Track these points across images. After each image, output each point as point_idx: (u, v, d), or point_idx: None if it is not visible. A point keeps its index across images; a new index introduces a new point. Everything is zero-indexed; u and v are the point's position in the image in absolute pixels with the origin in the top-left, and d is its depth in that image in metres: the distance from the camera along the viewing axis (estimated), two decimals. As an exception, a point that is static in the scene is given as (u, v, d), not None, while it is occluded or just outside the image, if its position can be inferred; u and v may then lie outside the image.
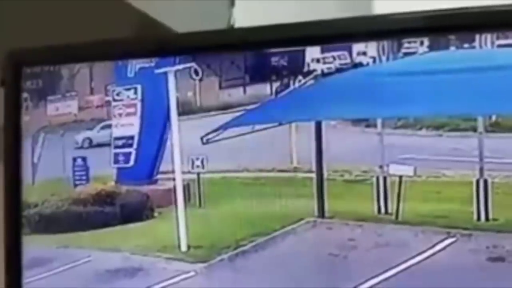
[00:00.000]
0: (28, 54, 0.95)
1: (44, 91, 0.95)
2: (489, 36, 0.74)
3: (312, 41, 0.81)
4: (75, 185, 0.94)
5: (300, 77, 0.83)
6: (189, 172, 0.89)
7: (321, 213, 0.83)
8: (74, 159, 0.94)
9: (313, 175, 0.83)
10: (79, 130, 0.95)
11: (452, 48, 0.76)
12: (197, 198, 0.89)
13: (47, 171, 0.95)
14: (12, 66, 0.95)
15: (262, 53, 0.85)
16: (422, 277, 0.77)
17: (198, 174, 0.89)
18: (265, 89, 0.86)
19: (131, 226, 0.91)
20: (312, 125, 0.83)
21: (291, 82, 0.84)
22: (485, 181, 0.77)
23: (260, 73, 0.86)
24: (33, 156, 0.96)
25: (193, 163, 0.89)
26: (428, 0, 0.79)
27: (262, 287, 0.83)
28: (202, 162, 0.89)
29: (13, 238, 0.93)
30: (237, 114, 0.87)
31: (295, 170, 0.85)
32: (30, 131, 0.95)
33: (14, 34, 1.04)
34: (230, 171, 0.89)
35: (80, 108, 0.95)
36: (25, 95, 0.96)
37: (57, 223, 0.93)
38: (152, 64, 0.90)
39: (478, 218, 0.77)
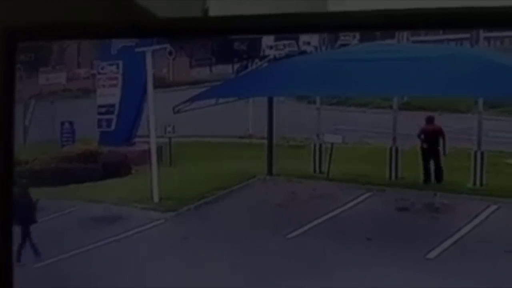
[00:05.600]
0: (23, 31, 1.00)
1: (36, 64, 1.04)
2: (405, 33, 0.90)
3: (268, 31, 0.94)
4: (63, 146, 1.04)
5: (256, 60, 0.97)
6: (162, 137, 1.02)
7: (270, 172, 0.98)
8: (62, 123, 1.04)
9: (265, 141, 0.99)
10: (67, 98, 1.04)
11: (377, 41, 0.92)
12: (168, 158, 1.02)
13: (38, 133, 1.04)
14: (8, 41, 1.00)
15: (227, 39, 0.98)
16: (347, 223, 0.93)
17: (170, 138, 1.02)
18: (228, 69, 0.99)
19: (111, 181, 1.03)
20: (265, 100, 0.99)
21: (249, 64, 0.97)
22: (396, 149, 0.95)
23: (224, 55, 0.99)
24: (25, 120, 1.04)
25: (165, 129, 1.02)
26: (373, 1, 0.90)
27: (222, 232, 0.96)
28: (173, 128, 1.02)
29: (5, 191, 0.99)
30: (204, 89, 1.00)
31: (250, 136, 1.01)
32: (23, 98, 1.03)
33: (10, 13, 1.08)
34: (196, 136, 1.03)
35: (69, 79, 1.04)
36: (19, 66, 1.02)
37: (46, 178, 1.02)
38: (133, 44, 1.00)
39: (390, 177, 0.94)
